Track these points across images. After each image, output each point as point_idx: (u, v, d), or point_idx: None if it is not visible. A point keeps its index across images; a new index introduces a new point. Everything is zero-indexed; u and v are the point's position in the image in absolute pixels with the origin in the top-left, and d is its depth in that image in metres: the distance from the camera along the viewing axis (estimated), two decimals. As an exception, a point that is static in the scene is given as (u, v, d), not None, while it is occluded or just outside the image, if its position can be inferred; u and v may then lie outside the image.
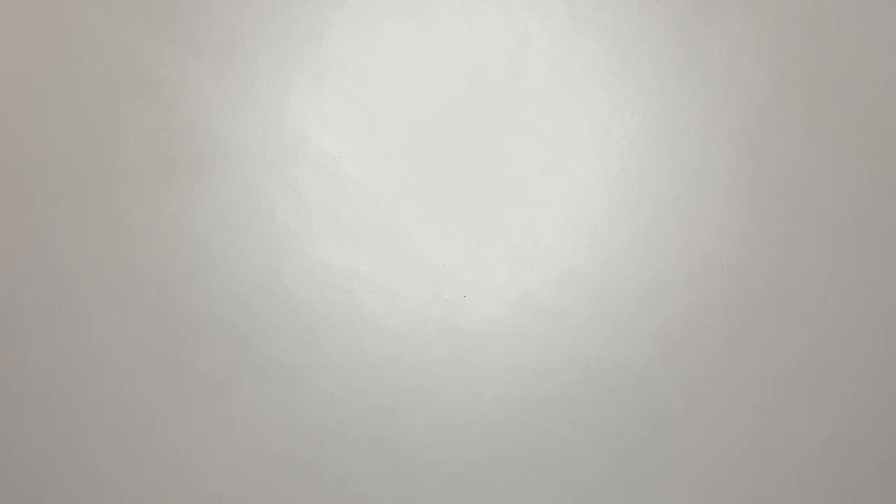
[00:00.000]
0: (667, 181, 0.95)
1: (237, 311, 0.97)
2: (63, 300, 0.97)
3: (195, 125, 0.97)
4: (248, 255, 0.97)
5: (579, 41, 0.96)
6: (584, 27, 0.96)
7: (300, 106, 0.97)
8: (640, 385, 0.95)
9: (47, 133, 0.98)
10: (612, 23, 0.95)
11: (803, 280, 0.94)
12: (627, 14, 0.95)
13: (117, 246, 0.97)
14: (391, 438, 0.96)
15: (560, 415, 0.95)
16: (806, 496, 0.95)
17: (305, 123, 0.97)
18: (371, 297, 0.96)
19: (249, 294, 0.97)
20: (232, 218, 0.97)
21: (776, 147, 0.95)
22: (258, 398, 0.96)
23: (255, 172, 0.97)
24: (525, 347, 0.96)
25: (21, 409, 0.98)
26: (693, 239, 0.95)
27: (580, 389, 0.95)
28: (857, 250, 0.94)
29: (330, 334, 0.96)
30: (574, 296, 0.95)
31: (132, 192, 0.97)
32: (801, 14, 0.95)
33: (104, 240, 0.97)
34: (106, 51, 0.98)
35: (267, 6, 0.97)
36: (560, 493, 0.96)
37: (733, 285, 0.94)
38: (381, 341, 0.96)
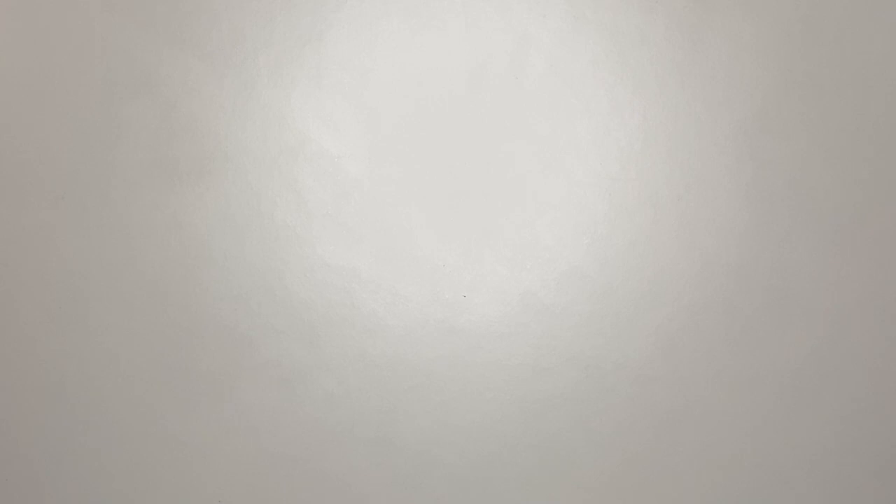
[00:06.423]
0: (667, 181, 0.95)
1: (237, 312, 0.97)
2: (63, 300, 0.97)
3: (195, 125, 0.97)
4: (248, 255, 0.97)
5: (579, 41, 0.96)
6: (584, 27, 0.96)
7: (300, 106, 0.97)
8: (640, 385, 0.95)
9: (47, 133, 0.98)
10: (612, 23, 0.95)
11: (803, 280, 0.94)
12: (627, 14, 0.95)
13: (117, 246, 0.97)
14: (391, 438, 0.96)
15: (560, 415, 0.95)
16: (806, 496, 0.95)
17: (305, 123, 0.97)
18: (371, 297, 0.96)
19: (249, 294, 0.97)
20: (232, 218, 0.97)
21: (776, 147, 0.95)
22: (258, 398, 0.96)
23: (255, 172, 0.97)
24: (525, 347, 0.96)
25: (21, 408, 0.98)
26: (693, 239, 0.95)
27: (580, 389, 0.95)
28: (857, 250, 0.94)
29: (330, 334, 0.96)
30: (574, 296, 0.95)
31: (132, 192, 0.97)
32: (801, 14, 0.95)
33: (104, 240, 0.97)
34: (106, 51, 0.98)
35: (267, 6, 0.97)
36: (560, 493, 0.96)
37: (733, 285, 0.94)
38: (381, 341, 0.96)
